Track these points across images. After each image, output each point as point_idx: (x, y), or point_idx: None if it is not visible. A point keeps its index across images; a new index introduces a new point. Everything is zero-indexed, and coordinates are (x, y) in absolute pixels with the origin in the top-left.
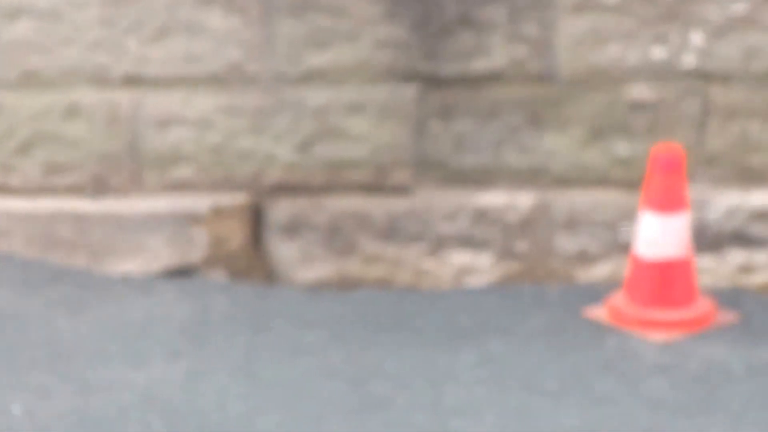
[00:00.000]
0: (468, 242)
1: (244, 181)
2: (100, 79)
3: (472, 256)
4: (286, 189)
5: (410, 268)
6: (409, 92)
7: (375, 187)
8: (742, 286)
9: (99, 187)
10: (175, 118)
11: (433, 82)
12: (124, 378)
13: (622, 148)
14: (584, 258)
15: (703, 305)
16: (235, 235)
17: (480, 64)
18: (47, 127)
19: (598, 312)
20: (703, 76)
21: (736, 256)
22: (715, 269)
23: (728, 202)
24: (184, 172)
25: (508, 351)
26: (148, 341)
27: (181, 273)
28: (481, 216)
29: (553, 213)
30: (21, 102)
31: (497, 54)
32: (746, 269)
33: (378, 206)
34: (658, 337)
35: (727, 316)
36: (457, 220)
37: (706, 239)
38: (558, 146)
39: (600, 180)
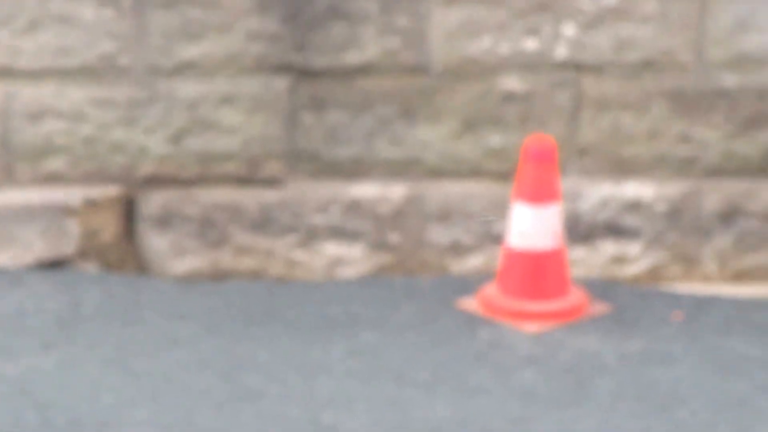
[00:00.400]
0: (340, 234)
1: (116, 173)
2: None
3: (345, 247)
4: (158, 181)
5: (282, 259)
6: (281, 84)
7: (247, 179)
8: (615, 277)
9: None
10: (47, 111)
11: (305, 74)
12: None
13: (494, 139)
14: (457, 249)
15: (575, 296)
16: (108, 227)
17: (352, 56)
18: None
19: (471, 303)
20: (575, 67)
21: (609, 247)
22: (588, 260)
23: (601, 193)
24: (56, 164)
25: (380, 342)
26: (20, 333)
27: (54, 265)
28: (354, 207)
29: (425, 204)
30: None
31: (370, 46)
32: (618, 260)
33: (250, 198)
34: (530, 328)
35: (600, 307)
36: (329, 211)
37: (579, 230)
38: (431, 138)
39: (472, 171)
